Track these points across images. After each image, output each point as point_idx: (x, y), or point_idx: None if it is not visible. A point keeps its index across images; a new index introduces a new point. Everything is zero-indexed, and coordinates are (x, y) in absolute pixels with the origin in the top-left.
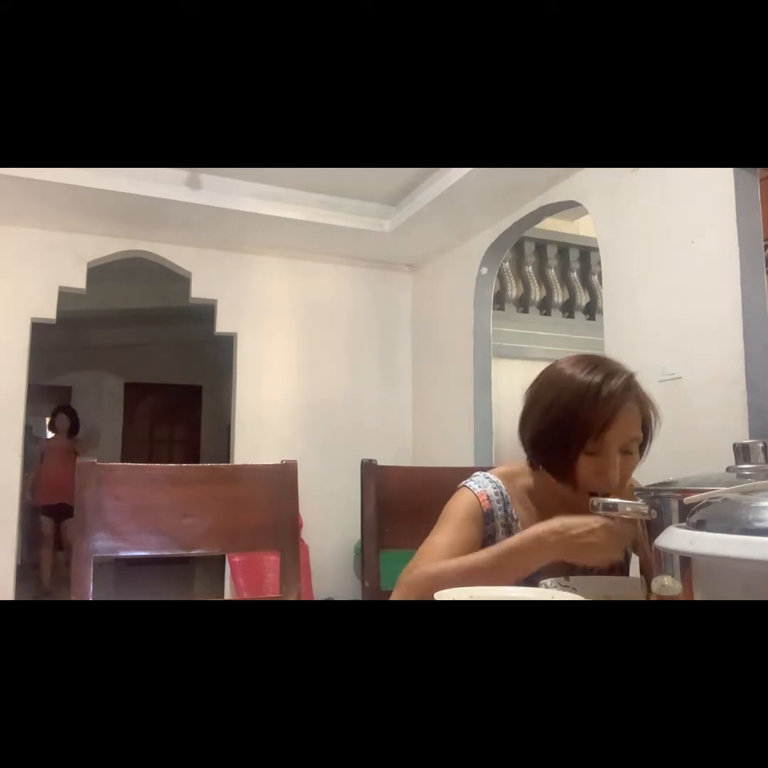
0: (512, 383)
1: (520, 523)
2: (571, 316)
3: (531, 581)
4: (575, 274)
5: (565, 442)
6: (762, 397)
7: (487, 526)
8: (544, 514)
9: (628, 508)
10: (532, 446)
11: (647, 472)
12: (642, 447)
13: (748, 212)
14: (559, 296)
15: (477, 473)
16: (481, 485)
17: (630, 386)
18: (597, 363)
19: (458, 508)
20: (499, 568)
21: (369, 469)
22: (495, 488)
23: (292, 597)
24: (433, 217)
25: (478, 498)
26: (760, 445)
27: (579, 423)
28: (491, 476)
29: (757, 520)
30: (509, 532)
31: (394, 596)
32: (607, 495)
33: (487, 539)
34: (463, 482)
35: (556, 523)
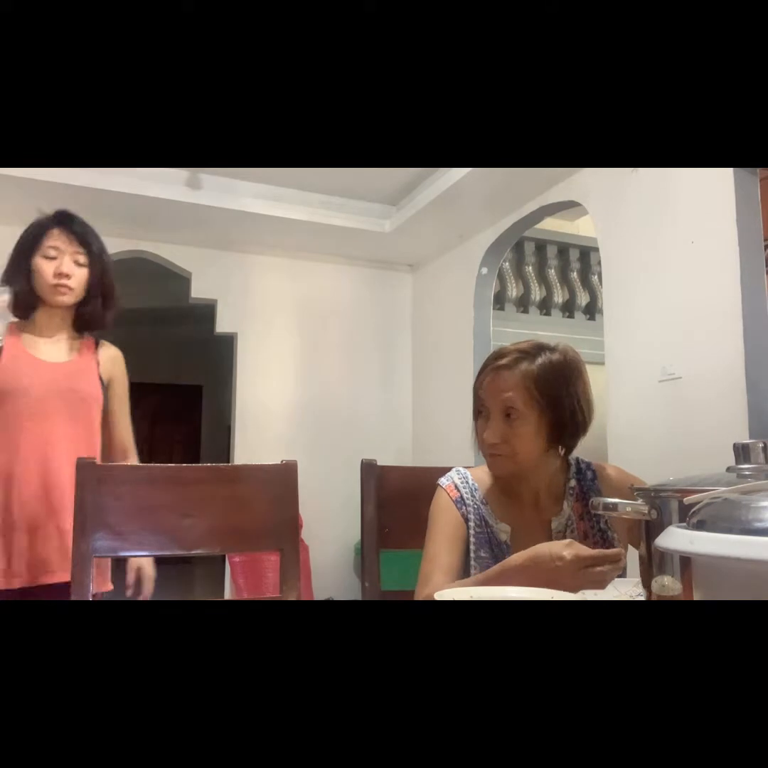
0: None
1: (490, 506)
2: (571, 316)
3: None
4: (575, 274)
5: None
6: (762, 397)
7: (461, 510)
8: (507, 498)
9: (628, 508)
10: None
11: (648, 472)
12: (555, 410)
13: (748, 212)
14: (559, 296)
15: (450, 470)
16: (449, 478)
17: (499, 354)
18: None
19: (436, 508)
20: None
21: (369, 469)
22: (461, 477)
23: (292, 597)
24: (433, 217)
25: (446, 491)
26: (760, 445)
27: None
28: (460, 469)
29: (757, 520)
30: (479, 514)
31: None
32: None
33: (467, 522)
34: (438, 480)
35: (529, 553)
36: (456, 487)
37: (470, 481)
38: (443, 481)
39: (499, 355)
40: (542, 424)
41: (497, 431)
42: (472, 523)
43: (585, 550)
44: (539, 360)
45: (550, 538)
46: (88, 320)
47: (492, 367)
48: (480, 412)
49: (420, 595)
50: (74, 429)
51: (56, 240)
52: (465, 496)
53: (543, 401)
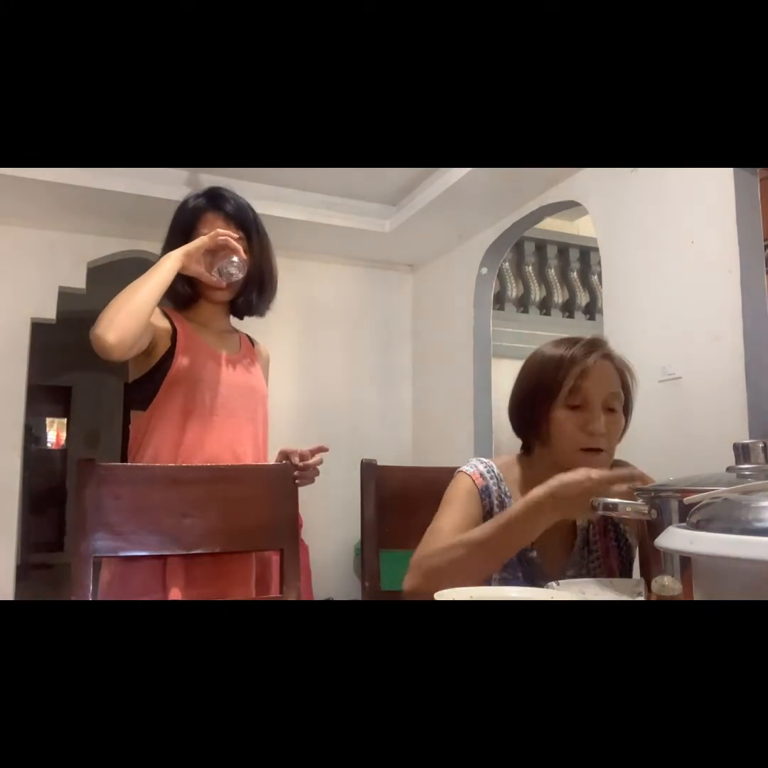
0: (512, 383)
1: (512, 500)
2: (571, 316)
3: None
4: (575, 274)
5: (534, 400)
6: (762, 397)
7: (484, 501)
8: (529, 484)
9: (629, 508)
10: (513, 416)
11: (648, 472)
12: (626, 410)
13: (748, 212)
14: (559, 296)
15: (471, 459)
16: (473, 466)
17: (596, 344)
18: (568, 339)
19: (456, 490)
20: (503, 538)
21: (369, 469)
22: (486, 467)
23: (292, 597)
24: (433, 217)
25: (472, 477)
26: (760, 445)
27: (546, 379)
28: (483, 459)
29: (757, 520)
30: (502, 506)
31: (407, 579)
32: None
33: (486, 515)
34: (459, 468)
35: (553, 481)
36: (482, 475)
37: (496, 471)
38: (467, 468)
39: (601, 342)
40: (623, 426)
41: (604, 424)
42: (495, 512)
43: (606, 471)
44: (612, 349)
45: None
46: (243, 310)
47: (600, 355)
48: (576, 405)
49: (423, 546)
50: (254, 428)
51: (211, 227)
52: (490, 485)
53: (627, 403)
